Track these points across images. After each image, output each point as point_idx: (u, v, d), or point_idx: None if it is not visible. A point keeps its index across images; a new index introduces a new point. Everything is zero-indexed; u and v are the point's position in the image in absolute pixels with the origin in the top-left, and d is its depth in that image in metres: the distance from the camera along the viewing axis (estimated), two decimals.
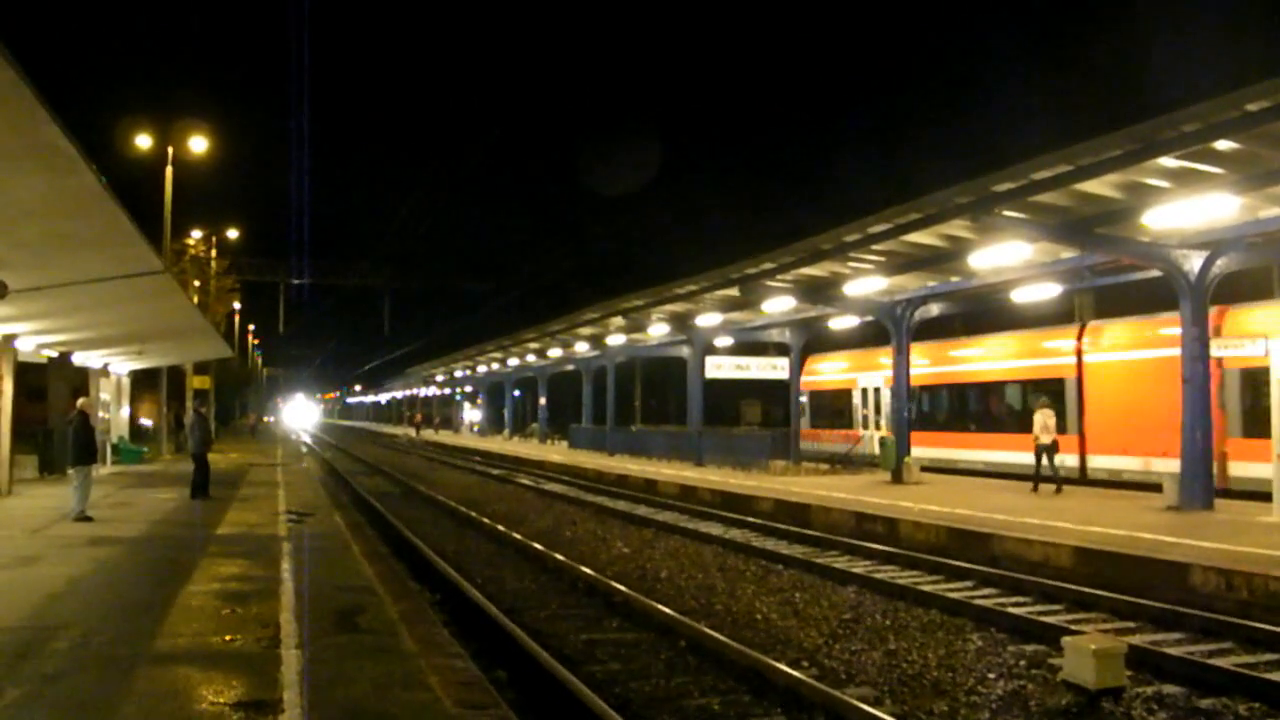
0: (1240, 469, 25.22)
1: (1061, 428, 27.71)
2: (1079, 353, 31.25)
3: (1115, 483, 27.71)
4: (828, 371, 44.24)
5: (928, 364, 37.29)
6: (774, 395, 55.35)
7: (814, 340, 41.30)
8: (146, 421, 50.86)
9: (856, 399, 43.17)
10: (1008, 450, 31.44)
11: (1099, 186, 18.34)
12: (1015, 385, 34.19)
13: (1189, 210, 17.75)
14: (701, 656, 11.68)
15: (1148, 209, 18.28)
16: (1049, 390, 30.34)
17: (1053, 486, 24.77)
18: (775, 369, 41.36)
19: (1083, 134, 16.91)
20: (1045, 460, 25.28)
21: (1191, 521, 18.82)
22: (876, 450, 33.55)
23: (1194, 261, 20.20)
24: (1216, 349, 21.52)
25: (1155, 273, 22.11)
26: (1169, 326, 25.87)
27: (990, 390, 35.95)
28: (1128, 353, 29.91)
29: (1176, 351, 23.39)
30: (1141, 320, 30.13)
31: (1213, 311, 23.25)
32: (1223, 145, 15.86)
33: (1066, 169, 17.58)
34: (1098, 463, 29.25)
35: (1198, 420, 20.50)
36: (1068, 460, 28.43)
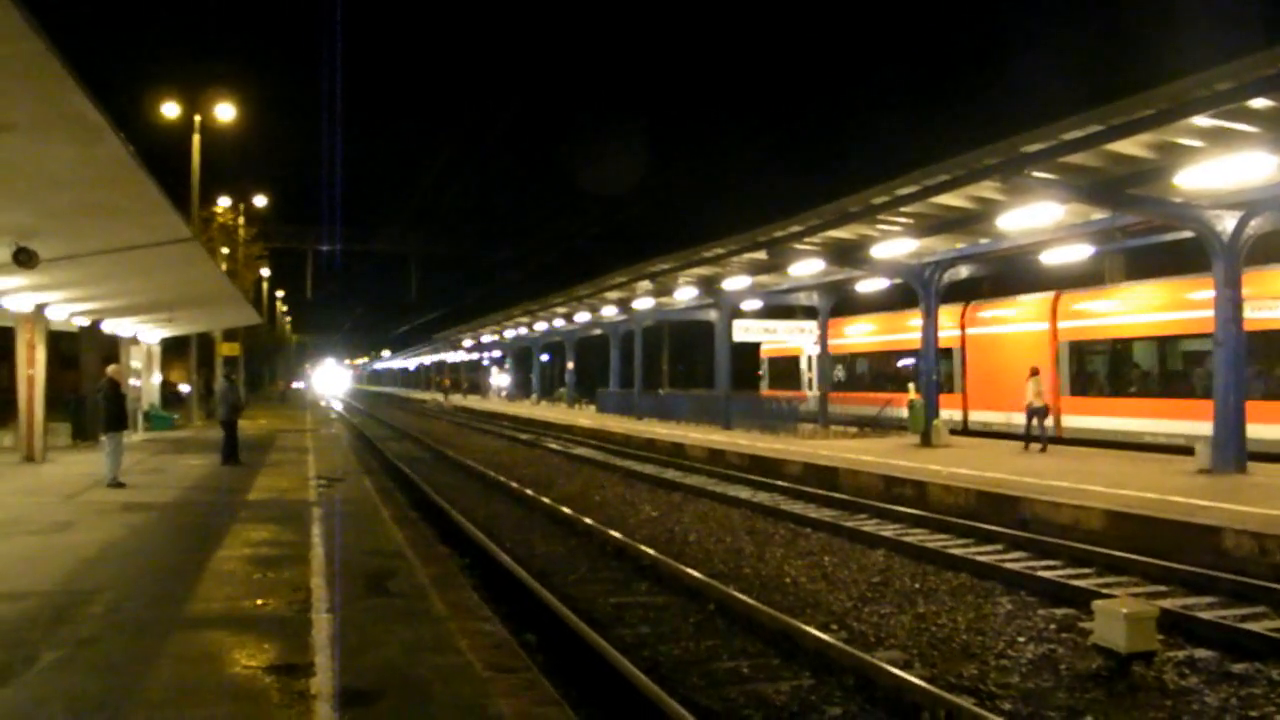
0: (1070, 420, 31.41)
1: (950, 388, 35.69)
2: (962, 327, 36.53)
3: (986, 433, 32.84)
4: (771, 345, 49.32)
5: (858, 335, 44.41)
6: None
7: (841, 303, 41.30)
8: (185, 388, 51.07)
9: (803, 364, 48.74)
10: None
11: (1130, 146, 18.14)
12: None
13: (1222, 170, 17.52)
14: (730, 620, 11.71)
15: (1180, 169, 18.07)
16: (942, 358, 34.60)
17: (1058, 444, 26.97)
18: (803, 332, 41.31)
19: (1114, 93, 16.74)
20: (1036, 421, 27.21)
21: (1224, 485, 18.73)
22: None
23: (1227, 222, 20.00)
24: (1250, 310, 21.32)
25: (1187, 234, 21.98)
26: (1021, 307, 34.35)
27: (900, 357, 40.95)
28: (993, 328, 35.39)
29: (1026, 327, 33.60)
30: (1003, 301, 35.89)
31: (1050, 295, 32.23)
32: (1258, 103, 15.62)
33: (1097, 129, 17.38)
34: (975, 417, 35.19)
35: (1231, 382, 20.31)
36: (954, 415, 35.01)
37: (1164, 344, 29.48)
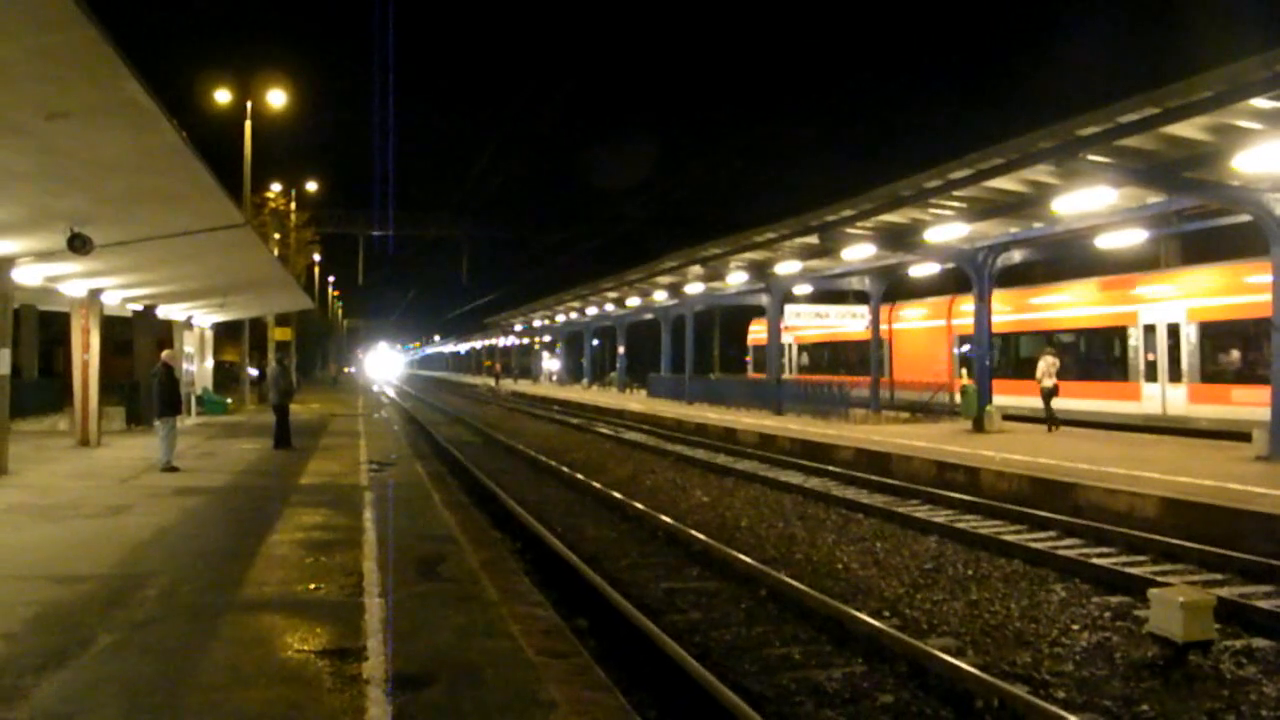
0: (958, 397, 34.81)
1: (885, 372, 42.67)
2: (890, 323, 43.21)
3: (910, 405, 39.72)
4: (757, 332, 56.82)
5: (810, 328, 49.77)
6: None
7: (894, 288, 41.22)
8: (253, 371, 51.36)
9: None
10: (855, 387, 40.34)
11: (1187, 129, 17.88)
12: (856, 344, 46.60)
13: None
14: (782, 605, 11.68)
15: (1238, 152, 17.78)
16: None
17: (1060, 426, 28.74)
18: (855, 317, 41.11)
19: (1171, 75, 16.51)
20: (1047, 401, 28.63)
21: None
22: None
23: None
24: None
25: (1245, 217, 21.69)
26: (928, 307, 42.43)
27: (847, 346, 49.45)
28: (910, 324, 43.66)
29: (931, 324, 41.88)
30: (916, 301, 44.57)
31: (946, 298, 39.43)
32: None
33: (1154, 111, 17.15)
34: (900, 395, 42.49)
35: None
36: (884, 394, 40.74)
37: (1015, 338, 37.68)
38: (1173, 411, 29.75)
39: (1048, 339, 35.09)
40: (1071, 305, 35.48)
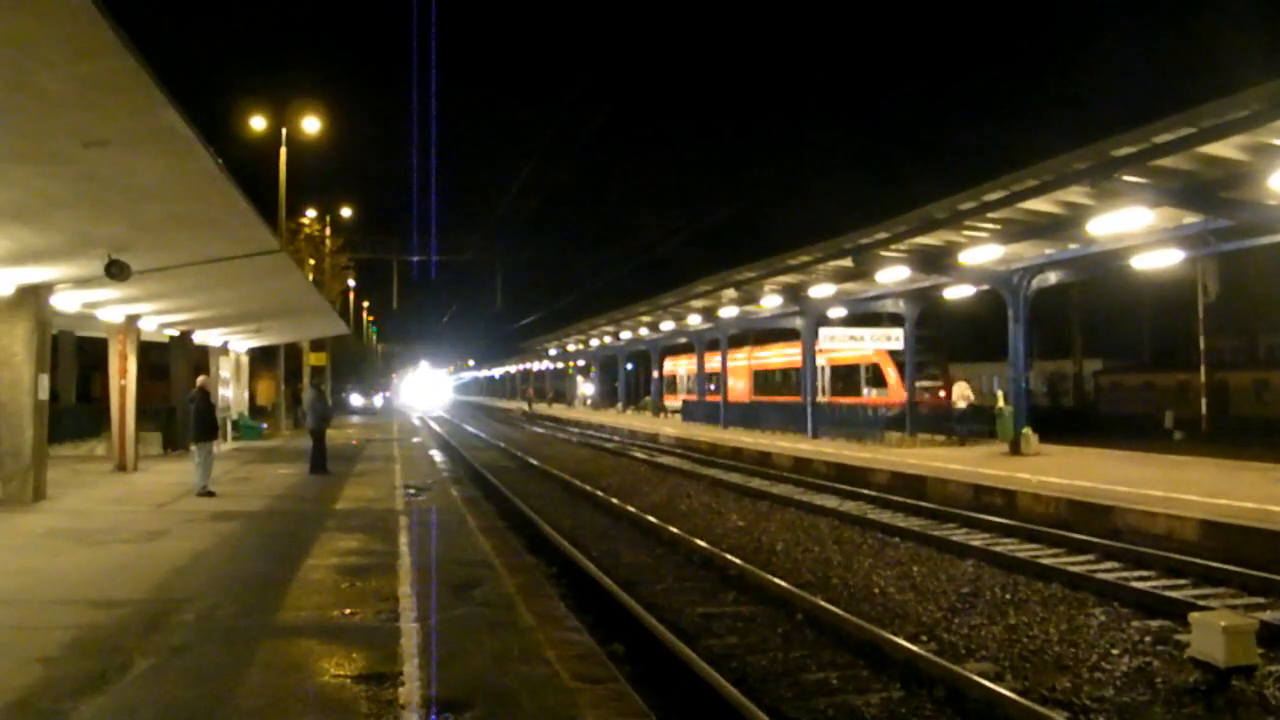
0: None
1: (721, 393, 55.02)
2: (723, 360, 55.90)
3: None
4: (668, 367, 75.00)
5: (685, 366, 70.17)
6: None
7: (928, 311, 41.03)
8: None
9: (678, 381, 73.02)
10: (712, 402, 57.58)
11: (1224, 149, 17.75)
12: (709, 375, 61.66)
13: None
14: (819, 630, 11.62)
15: (1275, 171, 17.68)
16: (716, 378, 58.48)
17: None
18: (890, 340, 40.90)
19: (1206, 94, 16.40)
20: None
21: None
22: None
23: None
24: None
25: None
26: (741, 350, 60.27)
27: (708, 378, 62.73)
28: (734, 361, 58.86)
29: (743, 362, 60.07)
30: (736, 348, 58.89)
31: (750, 347, 61.66)
32: None
33: (1189, 131, 17.04)
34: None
35: None
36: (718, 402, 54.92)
37: (764, 372, 59.27)
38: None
39: (777, 374, 57.53)
40: (784, 356, 55.71)
